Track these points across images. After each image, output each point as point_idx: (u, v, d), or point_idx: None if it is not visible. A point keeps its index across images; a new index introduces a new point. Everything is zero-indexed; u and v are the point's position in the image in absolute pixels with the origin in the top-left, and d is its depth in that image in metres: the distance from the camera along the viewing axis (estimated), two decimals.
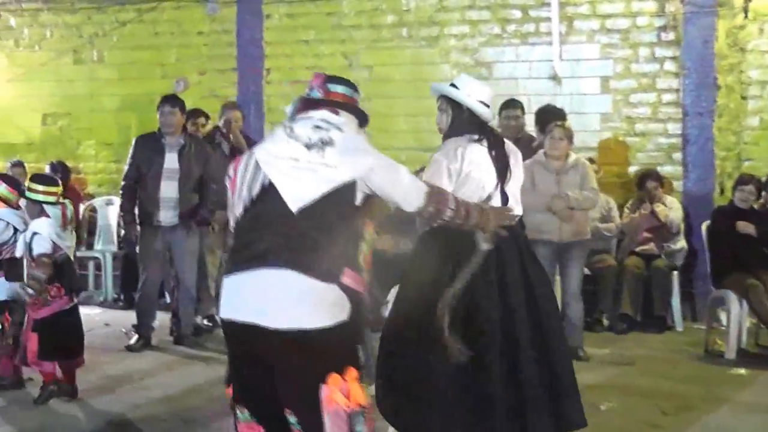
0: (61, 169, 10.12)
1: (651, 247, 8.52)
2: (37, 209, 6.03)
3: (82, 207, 10.23)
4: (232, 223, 3.53)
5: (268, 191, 3.37)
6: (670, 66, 9.00)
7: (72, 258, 6.39)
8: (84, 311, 9.13)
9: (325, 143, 3.40)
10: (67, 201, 7.44)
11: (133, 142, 7.97)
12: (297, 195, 3.31)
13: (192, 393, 6.23)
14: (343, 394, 3.26)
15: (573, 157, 7.29)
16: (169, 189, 7.53)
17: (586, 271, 7.76)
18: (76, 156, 10.73)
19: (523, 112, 8.09)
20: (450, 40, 9.56)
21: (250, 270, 3.28)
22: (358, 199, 3.38)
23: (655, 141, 9.08)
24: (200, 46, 10.30)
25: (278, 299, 3.22)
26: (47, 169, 10.15)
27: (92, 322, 8.71)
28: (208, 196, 7.72)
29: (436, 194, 3.62)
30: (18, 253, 5.94)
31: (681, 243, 8.59)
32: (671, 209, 8.51)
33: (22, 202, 6.27)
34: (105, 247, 10.15)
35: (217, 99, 9.65)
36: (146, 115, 10.22)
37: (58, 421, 5.64)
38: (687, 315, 8.60)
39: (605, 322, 8.36)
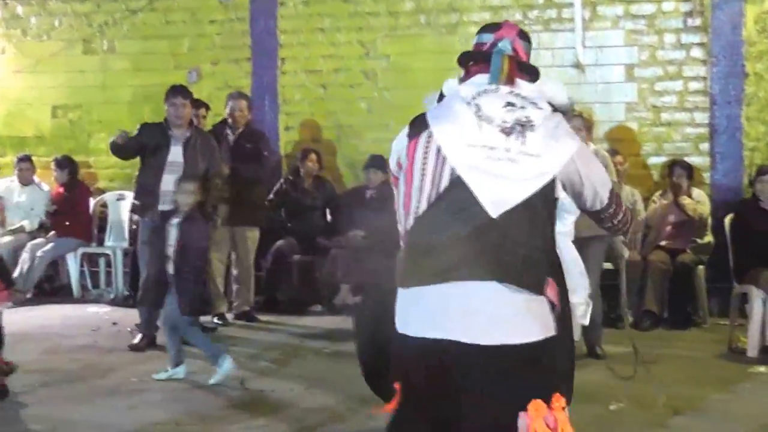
0: (68, 164, 10.42)
1: (676, 241, 8.68)
2: None
3: (92, 202, 10.53)
4: (406, 220, 3.06)
5: (457, 187, 2.92)
6: (697, 53, 9.12)
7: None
8: (92, 309, 9.59)
9: (525, 126, 2.94)
10: None
11: (139, 127, 8.01)
12: (498, 197, 2.88)
13: (196, 393, 6.39)
14: (548, 425, 2.87)
15: (592, 147, 7.44)
16: (170, 182, 7.34)
17: (608, 265, 7.93)
18: (87, 150, 10.95)
19: None
20: (470, 27, 9.70)
21: (445, 283, 2.90)
22: (558, 193, 3.01)
23: (681, 131, 9.21)
24: (213, 36, 10.49)
25: (487, 314, 2.87)
26: (53, 164, 10.47)
27: (100, 320, 9.02)
28: (212, 190, 7.71)
29: (615, 191, 3.19)
30: None
31: (708, 237, 8.74)
32: (699, 202, 8.66)
33: None
34: (116, 243, 10.39)
35: (230, 90, 9.74)
36: (159, 107, 10.39)
37: (57, 422, 5.81)
38: (715, 311, 8.71)
39: (629, 318, 8.49)
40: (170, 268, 6.55)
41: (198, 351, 6.76)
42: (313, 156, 9.65)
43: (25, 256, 10.05)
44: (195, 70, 10.48)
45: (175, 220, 6.65)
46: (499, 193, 2.88)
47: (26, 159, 10.60)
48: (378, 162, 9.39)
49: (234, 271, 8.94)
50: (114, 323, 8.85)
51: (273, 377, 6.84)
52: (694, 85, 9.14)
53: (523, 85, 3.07)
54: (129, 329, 8.22)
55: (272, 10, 10.23)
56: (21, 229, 10.42)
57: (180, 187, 6.82)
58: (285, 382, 6.65)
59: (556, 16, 9.49)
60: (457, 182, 2.92)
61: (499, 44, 3.10)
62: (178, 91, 7.87)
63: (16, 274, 9.95)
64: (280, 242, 9.45)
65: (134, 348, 7.64)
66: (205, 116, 9.09)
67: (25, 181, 10.58)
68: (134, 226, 9.76)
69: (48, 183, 10.70)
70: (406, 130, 3.14)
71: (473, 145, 2.92)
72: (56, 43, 11.07)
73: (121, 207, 10.51)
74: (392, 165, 3.25)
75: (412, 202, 3.01)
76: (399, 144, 3.18)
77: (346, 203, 9.62)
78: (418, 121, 3.11)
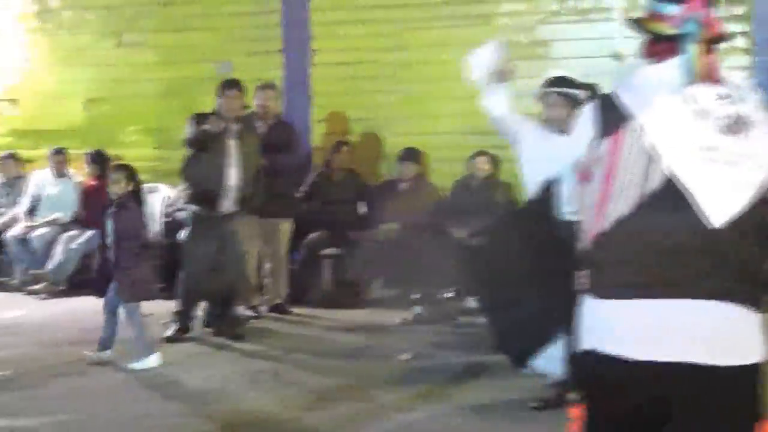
0: (99, 158, 10.45)
1: None
2: None
3: None
4: (597, 222, 2.72)
5: (669, 191, 2.63)
6: (739, 42, 8.98)
7: None
8: None
9: (744, 123, 2.64)
10: None
11: (191, 117, 7.95)
12: (721, 204, 2.61)
13: (229, 386, 6.38)
14: None
15: None
16: (231, 176, 7.65)
17: None
18: (118, 143, 10.96)
19: None
20: (503, 18, 9.63)
21: (661, 299, 2.63)
22: None
23: None
24: (244, 28, 10.49)
25: (711, 333, 2.62)
26: (85, 159, 10.50)
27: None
28: (262, 182, 7.90)
29: None
30: None
31: None
32: None
33: None
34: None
35: (261, 82, 9.76)
36: (190, 100, 10.48)
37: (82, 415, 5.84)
38: None
39: None
40: (111, 256, 6.72)
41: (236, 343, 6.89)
42: (345, 148, 9.61)
43: (59, 248, 10.15)
44: (226, 63, 10.44)
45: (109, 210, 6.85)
46: (722, 200, 2.60)
47: (60, 151, 10.68)
48: (410, 155, 9.34)
49: (267, 264, 8.87)
50: (149, 314, 8.78)
51: (307, 371, 6.80)
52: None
53: (737, 75, 2.77)
54: (162, 321, 8.20)
55: (304, 2, 10.23)
56: (55, 221, 10.45)
57: (111, 177, 7.00)
58: (319, 376, 6.63)
59: (594, 6, 9.38)
60: (669, 186, 2.62)
61: (688, 25, 2.71)
62: (233, 84, 7.88)
63: (50, 266, 10.03)
64: (311, 235, 9.38)
65: (168, 339, 7.64)
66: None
67: (59, 173, 10.67)
68: (169, 219, 9.83)
69: (81, 175, 10.73)
70: (591, 117, 2.78)
71: (692, 144, 2.62)
72: (88, 36, 11.13)
73: (153, 199, 10.48)
74: (581, 155, 2.80)
75: (609, 204, 2.68)
76: (584, 132, 2.79)
77: (378, 196, 9.55)
78: (609, 109, 2.75)
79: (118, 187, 6.86)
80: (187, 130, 7.85)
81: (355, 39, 10.07)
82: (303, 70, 10.21)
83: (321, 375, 6.65)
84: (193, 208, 7.89)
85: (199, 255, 7.75)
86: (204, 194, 7.72)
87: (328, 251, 9.40)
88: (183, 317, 7.87)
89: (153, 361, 6.76)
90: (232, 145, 7.73)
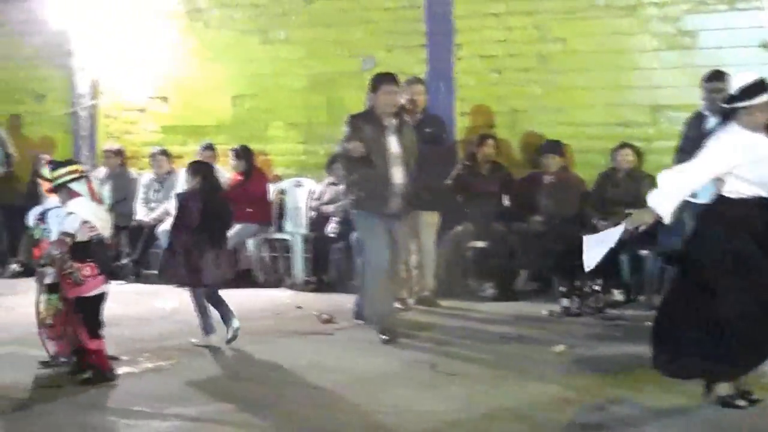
0: (244, 153, 10.76)
1: None
2: (65, 192, 6.37)
3: (271, 188, 10.83)
4: None
5: None
6: None
7: (108, 236, 6.65)
8: (274, 293, 9.86)
9: None
10: (89, 175, 7.15)
11: (348, 120, 7.65)
12: None
13: (387, 377, 6.50)
14: None
15: None
16: (396, 175, 7.47)
17: None
18: (263, 138, 11.28)
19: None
20: (650, 8, 9.54)
21: None
22: None
23: None
24: (387, 22, 10.63)
25: None
26: (231, 154, 10.80)
27: (282, 305, 9.30)
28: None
29: None
30: (53, 236, 6.33)
31: None
32: None
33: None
34: (294, 229, 10.65)
35: (405, 77, 9.86)
36: (334, 95, 10.77)
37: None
38: None
39: None
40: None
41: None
42: (490, 141, 9.69)
43: None
44: (369, 57, 10.61)
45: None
46: None
47: (210, 147, 11.01)
48: (555, 147, 9.38)
49: (414, 256, 8.99)
50: (298, 306, 9.09)
51: (461, 361, 6.91)
52: None
53: None
54: (315, 313, 8.46)
55: None
56: None
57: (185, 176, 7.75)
58: (474, 365, 6.75)
59: None
60: None
61: None
62: (391, 78, 7.69)
63: None
64: (457, 228, 9.49)
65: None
66: None
67: None
68: (315, 213, 10.10)
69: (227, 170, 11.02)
70: None
71: None
72: (234, 33, 11.43)
73: (298, 194, 10.78)
74: None
75: None
76: None
77: (523, 188, 9.60)
78: None
79: (188, 184, 7.57)
80: (344, 133, 7.59)
81: (497, 32, 10.10)
82: (447, 63, 10.27)
83: (479, 365, 6.74)
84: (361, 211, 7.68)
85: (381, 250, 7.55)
86: (373, 198, 7.49)
87: (473, 244, 9.51)
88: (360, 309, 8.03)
89: (213, 340, 7.35)
90: (392, 143, 7.56)
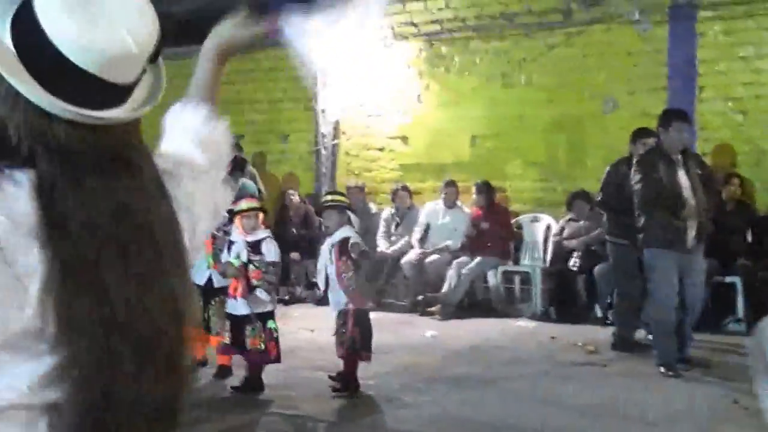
0: (485, 189, 11.31)
1: None
2: (344, 216, 7.17)
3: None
4: None
5: None
6: None
7: None
8: (517, 323, 10.27)
9: None
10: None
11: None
12: None
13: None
14: None
15: None
16: (691, 209, 7.53)
17: None
18: (502, 175, 11.84)
19: None
20: None
21: None
22: None
23: None
24: (629, 66, 11.07)
25: None
26: (473, 189, 11.37)
27: (528, 333, 9.75)
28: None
29: None
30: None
31: None
32: None
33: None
34: (532, 262, 11.15)
35: (647, 118, 10.21)
36: (574, 135, 11.25)
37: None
38: None
39: None
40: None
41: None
42: (735, 180, 9.94)
43: (451, 272, 11.03)
44: (610, 99, 11.04)
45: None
46: None
47: (452, 184, 11.59)
48: None
49: None
50: (552, 337, 9.42)
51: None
52: None
53: None
54: (579, 344, 8.85)
55: (691, 41, 10.68)
56: (445, 249, 11.36)
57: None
58: None
59: None
60: None
61: None
62: (682, 115, 7.82)
63: (444, 289, 10.91)
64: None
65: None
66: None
67: (450, 204, 11.58)
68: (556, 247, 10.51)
69: (467, 206, 11.61)
70: None
71: None
72: (476, 78, 12.06)
73: (535, 228, 11.26)
74: None
75: None
76: None
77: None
78: None
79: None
80: (638, 176, 7.68)
81: (745, 74, 10.44)
82: (689, 105, 10.54)
83: None
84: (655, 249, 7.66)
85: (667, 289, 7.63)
86: (672, 234, 7.54)
87: (717, 279, 9.73)
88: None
89: None
90: (681, 175, 7.65)
